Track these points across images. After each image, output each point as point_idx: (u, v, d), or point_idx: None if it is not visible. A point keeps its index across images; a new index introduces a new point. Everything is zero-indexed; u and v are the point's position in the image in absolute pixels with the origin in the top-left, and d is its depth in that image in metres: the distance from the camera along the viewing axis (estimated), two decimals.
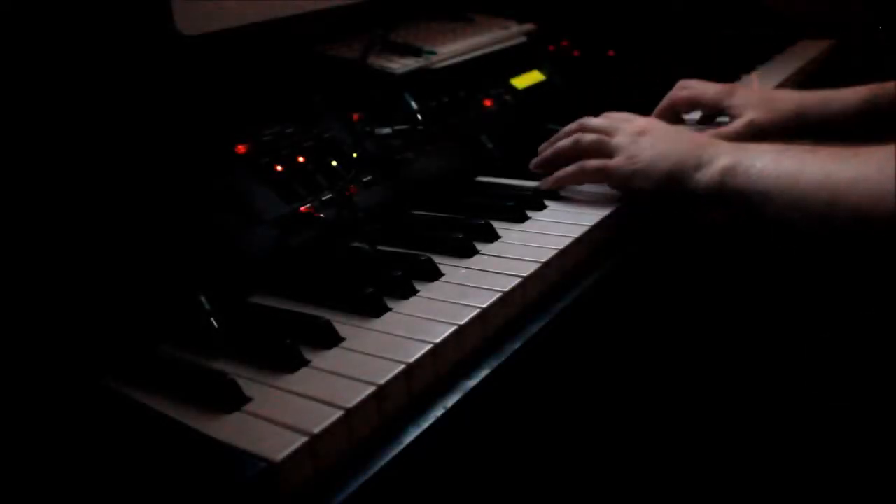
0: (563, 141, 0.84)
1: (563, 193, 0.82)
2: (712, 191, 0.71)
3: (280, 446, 0.45)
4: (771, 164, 0.67)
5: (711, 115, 1.03)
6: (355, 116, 0.83)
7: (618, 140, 0.79)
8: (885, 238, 0.60)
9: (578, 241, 0.71)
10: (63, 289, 0.55)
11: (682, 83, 1.03)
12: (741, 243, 1.11)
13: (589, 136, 0.82)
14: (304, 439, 0.45)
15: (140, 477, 0.45)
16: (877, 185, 0.60)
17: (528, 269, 0.64)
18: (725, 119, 0.99)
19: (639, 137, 0.78)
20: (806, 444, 1.02)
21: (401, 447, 0.49)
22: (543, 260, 0.66)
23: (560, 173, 0.82)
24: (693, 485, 1.00)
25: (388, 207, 0.78)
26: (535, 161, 0.86)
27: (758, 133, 0.92)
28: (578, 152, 0.81)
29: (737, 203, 0.70)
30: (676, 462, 1.00)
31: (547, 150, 0.85)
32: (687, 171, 0.73)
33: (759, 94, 1.00)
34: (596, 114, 1.06)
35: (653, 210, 0.79)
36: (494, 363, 0.57)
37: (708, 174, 0.71)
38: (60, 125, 0.64)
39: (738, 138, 0.91)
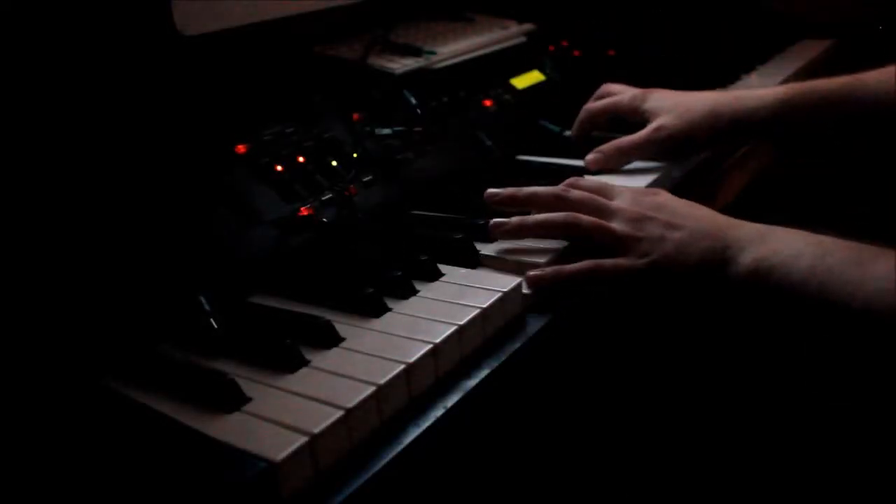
0: (544, 189, 0.72)
1: None
2: (744, 290, 0.66)
3: (280, 446, 0.45)
4: (808, 271, 0.62)
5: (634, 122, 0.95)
6: (355, 116, 0.83)
7: (618, 209, 0.69)
8: None
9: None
10: (63, 289, 0.55)
11: (603, 87, 0.98)
12: None
13: (579, 193, 0.71)
14: (304, 439, 0.45)
15: (140, 477, 0.45)
16: None
17: (529, 269, 0.64)
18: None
19: (643, 222, 0.68)
20: (803, 449, 1.02)
21: (401, 447, 0.49)
22: (544, 260, 0.66)
23: (534, 220, 0.68)
24: (693, 485, 1.00)
25: (388, 207, 0.78)
26: (496, 193, 0.72)
27: (669, 138, 0.88)
28: (565, 207, 0.69)
29: (771, 301, 0.66)
30: (677, 462, 1.00)
31: (518, 190, 0.72)
32: (713, 272, 0.66)
33: (674, 96, 0.93)
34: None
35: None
36: (494, 363, 0.57)
37: (736, 274, 0.65)
38: (60, 125, 0.64)
39: (648, 145, 0.88)
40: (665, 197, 0.72)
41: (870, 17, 1.43)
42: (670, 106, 0.90)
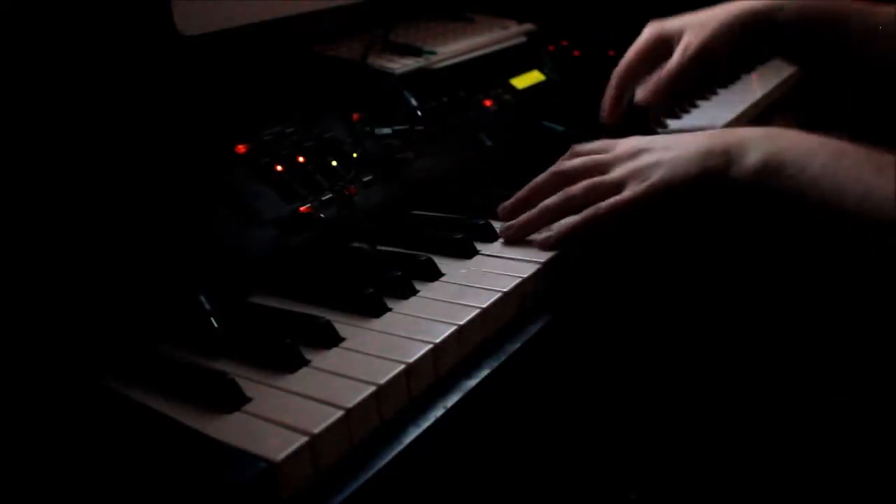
0: (541, 176, 0.72)
1: None
2: (750, 190, 0.64)
3: (280, 446, 0.45)
4: (822, 169, 0.61)
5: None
6: (355, 116, 0.83)
7: (615, 156, 0.69)
8: None
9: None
10: (63, 289, 0.55)
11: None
12: (739, 238, 1.11)
13: (575, 161, 0.71)
14: (304, 439, 0.45)
15: (140, 477, 0.45)
16: None
17: (528, 269, 0.64)
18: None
19: (639, 155, 0.68)
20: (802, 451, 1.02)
21: (401, 447, 0.49)
22: (544, 260, 0.66)
23: (535, 212, 0.68)
24: (693, 485, 1.00)
25: (388, 207, 0.78)
26: (505, 205, 0.72)
27: (696, 53, 0.85)
28: (563, 181, 0.70)
29: (781, 202, 0.64)
30: (676, 462, 1.00)
31: (520, 192, 0.73)
32: (716, 174, 0.64)
33: (695, 14, 0.89)
34: (596, 112, 1.06)
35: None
36: (494, 363, 0.57)
37: (742, 172, 0.63)
38: (60, 125, 0.64)
39: (684, 65, 0.85)
40: (646, 138, 0.72)
41: None
42: (692, 22, 0.88)
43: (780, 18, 0.85)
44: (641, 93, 0.87)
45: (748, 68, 0.95)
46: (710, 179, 0.65)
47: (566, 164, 0.71)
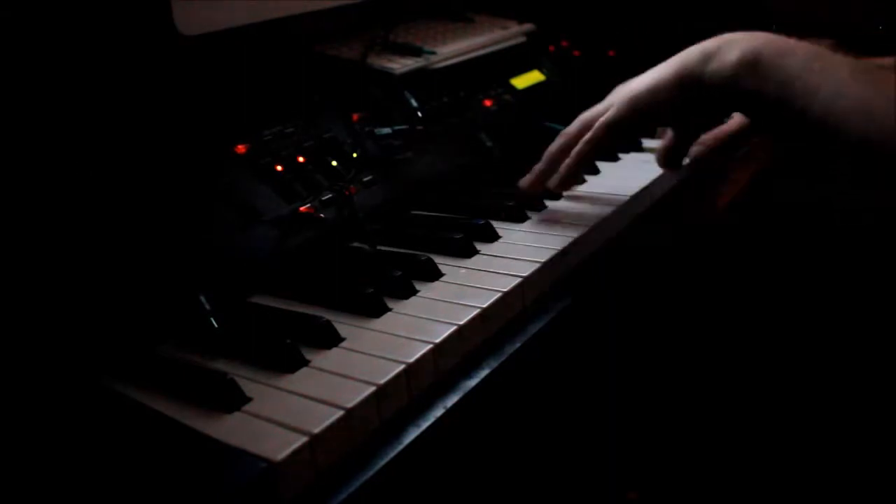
0: (556, 143, 0.77)
1: (564, 193, 0.81)
2: (725, 93, 0.64)
3: (280, 446, 0.45)
4: (799, 71, 0.60)
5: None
6: (355, 116, 0.83)
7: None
8: None
9: (577, 243, 0.71)
10: (62, 289, 0.55)
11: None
12: (739, 244, 1.11)
13: (589, 112, 0.75)
14: (304, 439, 0.45)
15: (139, 477, 0.45)
16: None
17: (528, 269, 0.64)
18: None
19: (625, 83, 0.73)
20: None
21: (401, 447, 0.49)
22: (543, 260, 0.66)
23: (565, 164, 0.74)
24: (693, 485, 1.00)
25: (388, 207, 0.78)
26: (528, 180, 0.78)
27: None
28: (577, 130, 0.75)
29: (754, 106, 0.64)
30: (676, 462, 1.00)
31: (540, 163, 0.78)
32: (692, 75, 0.65)
33: None
34: None
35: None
36: (494, 363, 0.57)
37: (719, 69, 0.64)
38: (60, 125, 0.64)
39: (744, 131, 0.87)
40: None
41: (870, 17, 1.43)
42: None
43: None
44: (696, 148, 0.87)
45: None
46: (687, 80, 0.66)
47: (577, 121, 0.76)
